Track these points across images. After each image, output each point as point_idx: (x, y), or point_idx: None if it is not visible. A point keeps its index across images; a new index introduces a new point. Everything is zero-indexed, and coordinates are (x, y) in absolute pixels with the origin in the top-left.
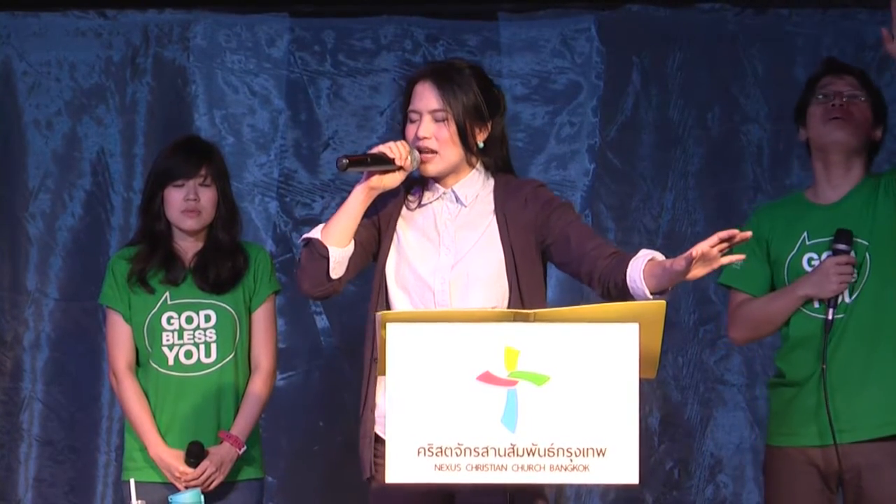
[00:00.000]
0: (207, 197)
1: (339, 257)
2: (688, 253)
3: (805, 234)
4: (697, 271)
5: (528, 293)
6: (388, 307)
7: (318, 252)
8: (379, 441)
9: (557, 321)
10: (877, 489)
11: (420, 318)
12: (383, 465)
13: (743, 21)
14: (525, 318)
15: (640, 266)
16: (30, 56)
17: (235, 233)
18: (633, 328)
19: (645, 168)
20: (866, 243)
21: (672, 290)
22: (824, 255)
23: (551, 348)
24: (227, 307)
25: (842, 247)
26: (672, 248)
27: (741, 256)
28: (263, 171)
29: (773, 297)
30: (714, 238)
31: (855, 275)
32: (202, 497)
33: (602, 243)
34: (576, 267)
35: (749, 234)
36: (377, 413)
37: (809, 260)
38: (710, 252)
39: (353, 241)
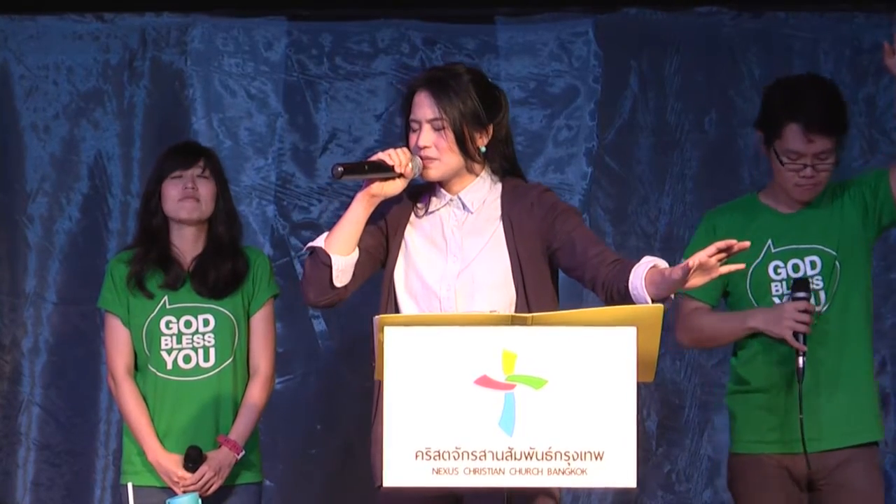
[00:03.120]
0: (206, 188)
1: (343, 265)
2: (685, 263)
3: (769, 241)
4: (696, 280)
5: (534, 299)
6: (396, 313)
7: (321, 261)
8: None
9: (555, 325)
10: (849, 482)
11: (418, 321)
12: None
13: (740, 24)
14: (523, 322)
15: (643, 273)
16: (27, 59)
17: (236, 232)
18: (631, 332)
19: (642, 171)
20: (835, 253)
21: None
22: (791, 265)
23: (549, 352)
24: (226, 311)
25: (801, 295)
26: (669, 251)
27: (741, 266)
28: (261, 175)
29: (723, 319)
30: (712, 248)
31: (815, 315)
32: (199, 501)
33: (605, 250)
34: (580, 273)
35: (747, 243)
36: None
37: (776, 268)
38: (707, 262)
39: (357, 249)
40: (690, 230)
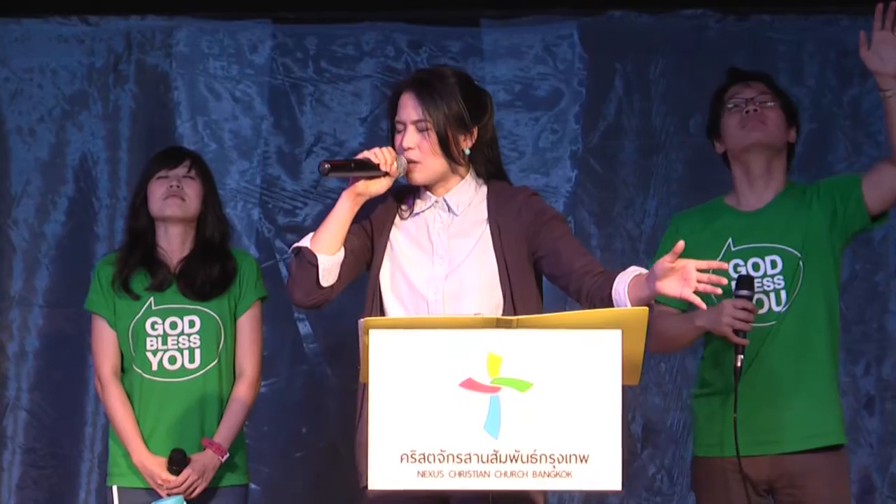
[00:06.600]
0: (192, 188)
1: (329, 265)
2: (677, 246)
3: (730, 240)
4: (666, 285)
5: (521, 303)
6: (382, 315)
7: (307, 260)
8: None
9: (540, 328)
10: (809, 493)
11: (403, 324)
12: None
13: (725, 27)
14: (508, 325)
15: (627, 279)
16: (12, 62)
17: (225, 234)
18: (616, 335)
19: (627, 174)
20: (798, 254)
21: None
22: (751, 263)
23: (534, 355)
24: (212, 313)
25: (743, 293)
26: (654, 253)
27: (700, 302)
28: (246, 178)
29: (679, 320)
30: (704, 263)
31: (753, 317)
32: None
33: (591, 261)
34: (565, 282)
35: (726, 265)
36: None
37: (735, 266)
38: (689, 270)
39: (342, 248)
40: None
